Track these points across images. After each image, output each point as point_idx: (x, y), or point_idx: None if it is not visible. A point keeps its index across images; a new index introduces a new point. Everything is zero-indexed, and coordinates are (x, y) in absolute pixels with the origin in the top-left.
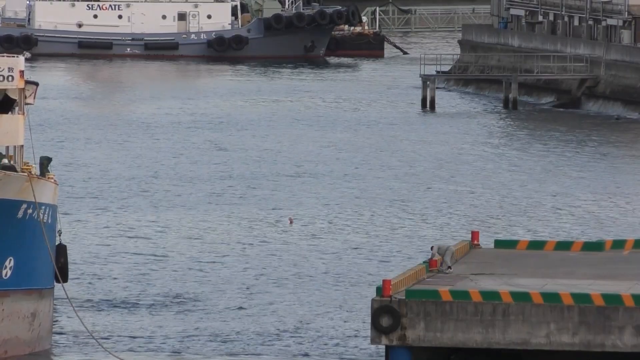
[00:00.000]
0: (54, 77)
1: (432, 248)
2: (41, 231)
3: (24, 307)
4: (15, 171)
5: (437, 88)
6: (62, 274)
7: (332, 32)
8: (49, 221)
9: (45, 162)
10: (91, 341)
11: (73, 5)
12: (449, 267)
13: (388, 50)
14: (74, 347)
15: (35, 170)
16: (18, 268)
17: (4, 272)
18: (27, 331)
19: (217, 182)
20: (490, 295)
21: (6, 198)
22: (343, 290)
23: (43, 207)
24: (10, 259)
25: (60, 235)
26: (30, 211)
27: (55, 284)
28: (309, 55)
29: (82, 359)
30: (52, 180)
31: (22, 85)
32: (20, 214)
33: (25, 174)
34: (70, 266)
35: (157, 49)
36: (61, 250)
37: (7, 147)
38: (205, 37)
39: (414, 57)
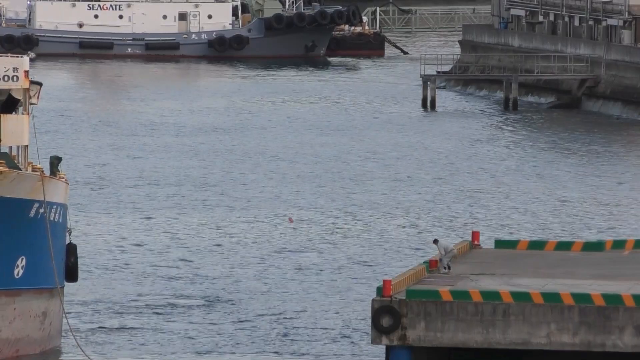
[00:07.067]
0: (55, 77)
1: (435, 241)
2: (53, 230)
3: (35, 306)
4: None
5: (437, 88)
6: (72, 273)
7: (333, 32)
8: (60, 220)
9: (55, 161)
10: (98, 340)
11: (74, 5)
12: (446, 268)
13: (388, 50)
14: (83, 346)
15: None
16: (30, 267)
17: (15, 271)
18: (38, 330)
19: (217, 181)
20: (491, 295)
21: (19, 197)
22: (343, 290)
23: (54, 207)
24: (22, 258)
25: (70, 235)
26: (42, 210)
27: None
28: (310, 55)
29: (92, 358)
30: (63, 180)
31: (26, 85)
32: (32, 214)
33: (38, 173)
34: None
35: (158, 49)
36: (71, 250)
37: (11, 147)
38: (205, 37)
39: (414, 57)
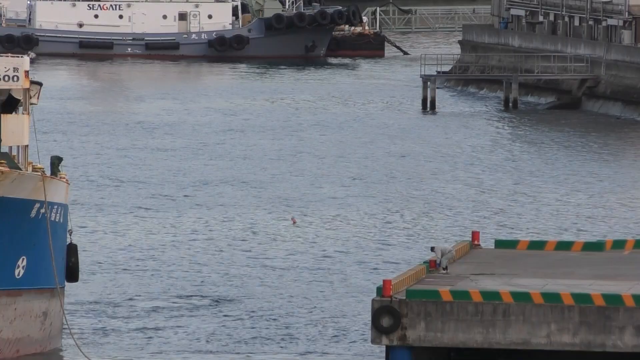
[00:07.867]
0: (55, 77)
1: (432, 249)
2: (54, 231)
3: (35, 306)
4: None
5: (437, 88)
6: (73, 273)
7: (333, 32)
8: (61, 220)
9: (56, 161)
10: (99, 340)
11: (74, 5)
12: (444, 269)
13: (388, 50)
14: (83, 347)
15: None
16: (30, 267)
17: (17, 271)
18: (39, 330)
19: (218, 182)
20: (491, 295)
21: (20, 197)
22: (343, 290)
23: (55, 207)
24: (23, 258)
25: (70, 235)
26: (42, 211)
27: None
28: (310, 55)
29: (91, 359)
30: (64, 180)
31: (27, 85)
32: (33, 214)
33: (39, 173)
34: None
35: (158, 49)
36: (72, 250)
37: (11, 147)
38: (206, 37)
39: (415, 57)
